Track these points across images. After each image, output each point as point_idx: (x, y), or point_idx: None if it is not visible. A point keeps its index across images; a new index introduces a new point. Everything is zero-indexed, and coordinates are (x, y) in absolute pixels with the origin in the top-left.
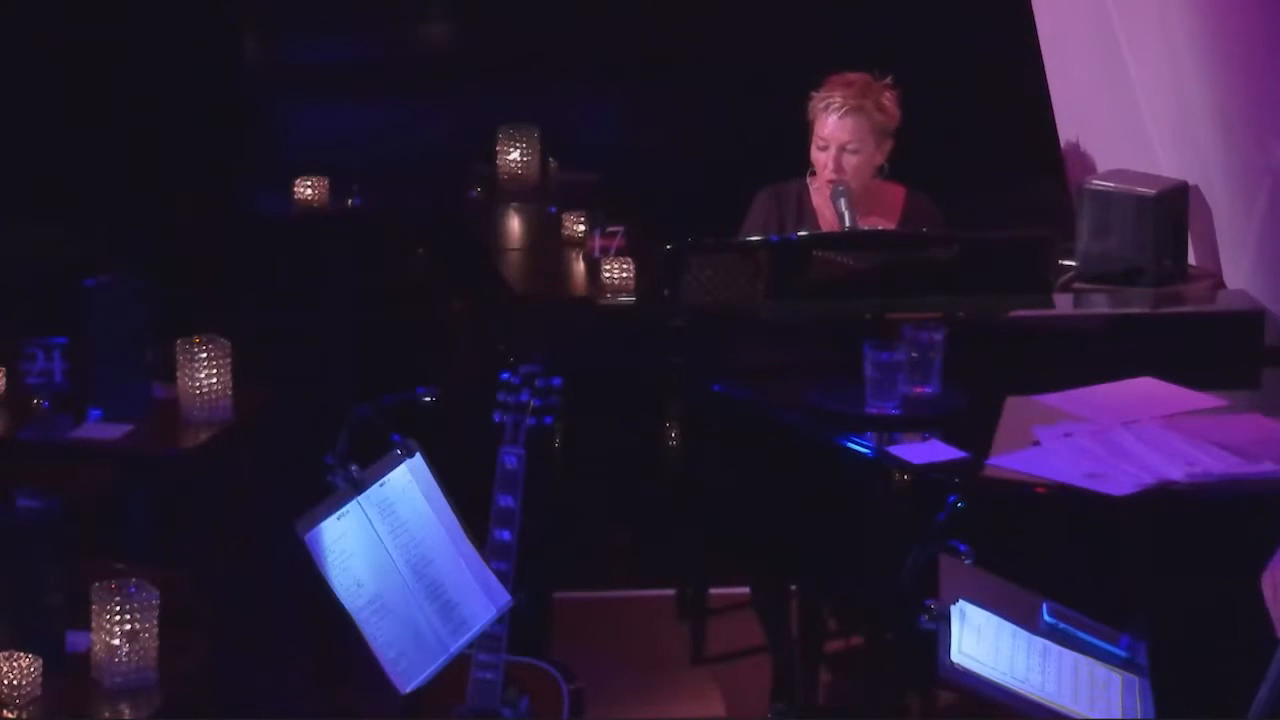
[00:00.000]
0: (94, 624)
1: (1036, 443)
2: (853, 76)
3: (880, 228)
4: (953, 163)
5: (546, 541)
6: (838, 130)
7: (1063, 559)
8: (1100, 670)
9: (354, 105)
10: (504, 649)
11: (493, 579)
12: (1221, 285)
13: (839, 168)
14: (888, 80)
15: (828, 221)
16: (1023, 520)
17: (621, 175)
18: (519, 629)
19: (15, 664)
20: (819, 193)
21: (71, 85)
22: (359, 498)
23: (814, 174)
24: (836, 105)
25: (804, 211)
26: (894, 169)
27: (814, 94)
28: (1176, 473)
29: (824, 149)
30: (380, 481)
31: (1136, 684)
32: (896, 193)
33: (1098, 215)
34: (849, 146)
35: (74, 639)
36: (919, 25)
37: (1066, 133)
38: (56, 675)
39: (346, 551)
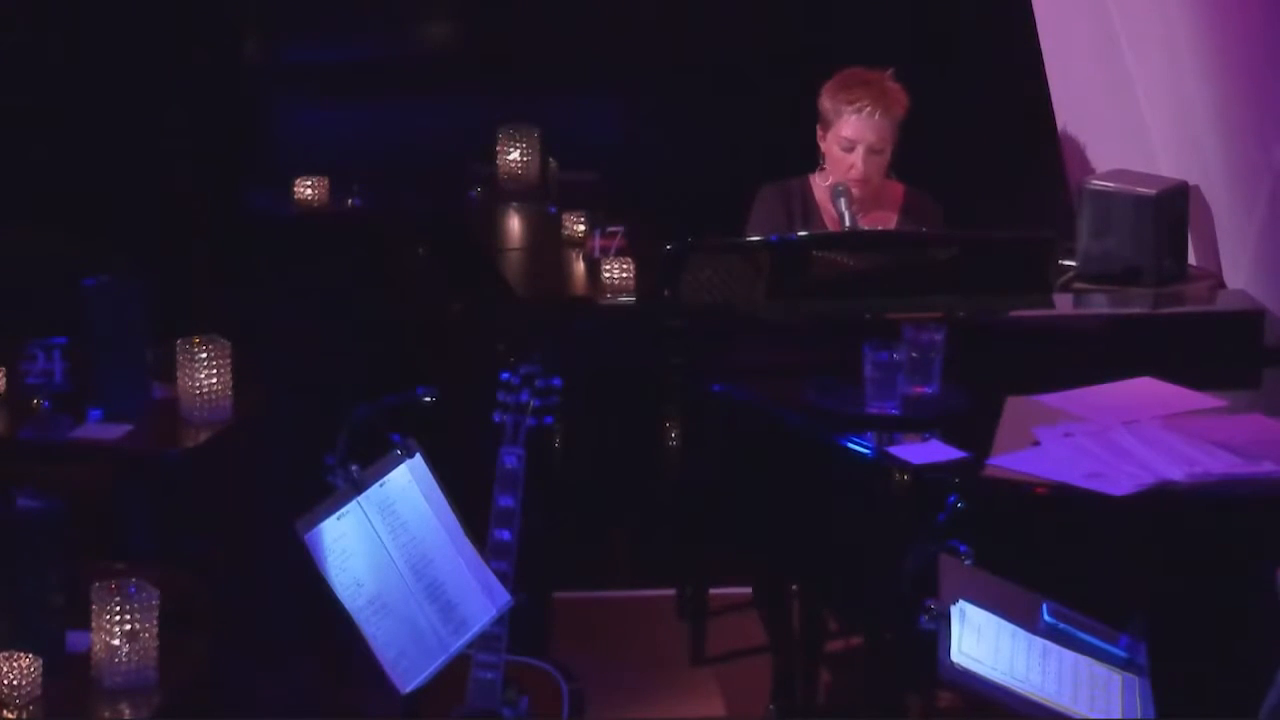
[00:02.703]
0: (94, 624)
1: (1036, 443)
2: (868, 75)
3: (880, 228)
4: (953, 163)
5: (546, 541)
6: (867, 131)
7: (1063, 559)
8: (1100, 670)
9: (354, 105)
10: (504, 649)
11: (493, 579)
12: (1221, 285)
13: (868, 167)
14: (890, 72)
15: (832, 217)
16: (1023, 520)
17: (621, 175)
18: (519, 629)
19: (15, 664)
20: (824, 189)
21: (71, 85)
22: (359, 498)
23: (821, 170)
24: (869, 109)
25: (809, 208)
26: (895, 167)
27: (833, 92)
28: (1176, 473)
29: (849, 150)
30: (380, 481)
31: (1136, 684)
32: (896, 190)
33: (1098, 215)
34: (876, 146)
35: (74, 639)
36: (919, 25)
37: (1066, 133)
38: (56, 675)
39: (346, 551)
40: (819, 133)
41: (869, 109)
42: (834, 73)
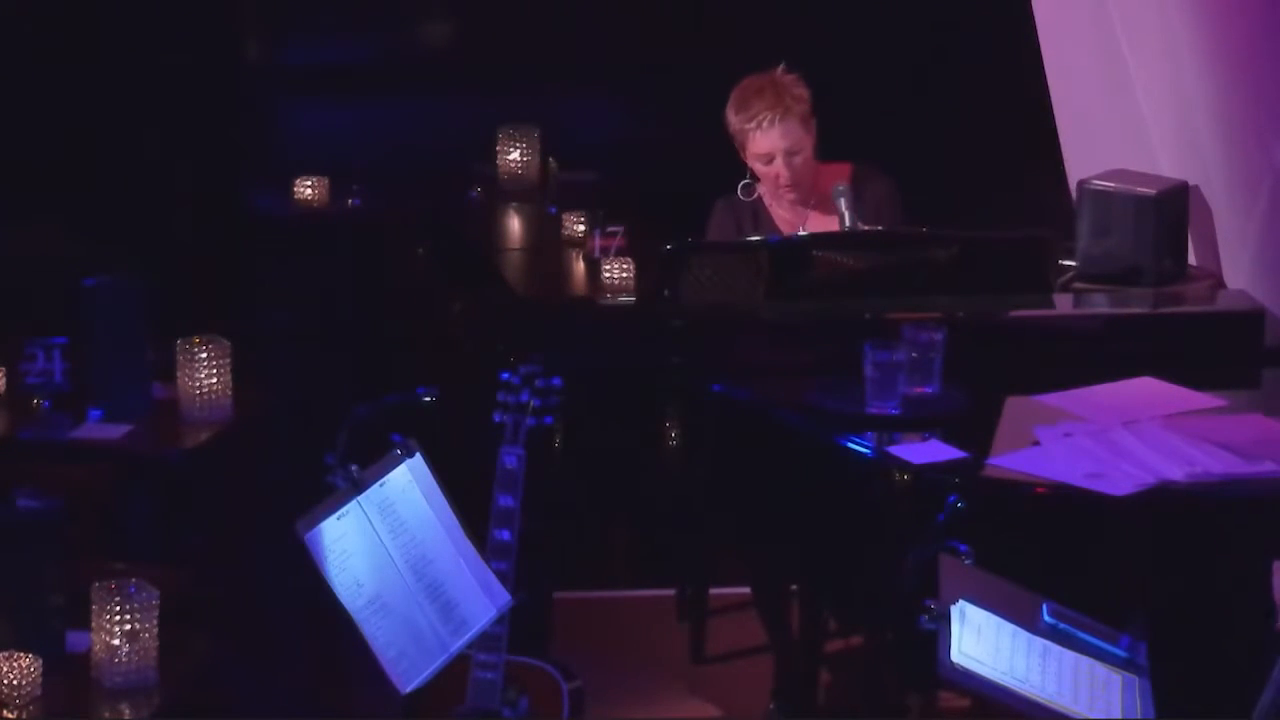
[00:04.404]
0: (94, 624)
1: (1036, 443)
2: (759, 83)
3: (879, 227)
4: (953, 162)
5: (546, 541)
6: (776, 140)
7: (1063, 559)
8: (1100, 670)
9: (354, 105)
10: (504, 649)
11: (493, 579)
12: (1221, 285)
13: (792, 170)
14: (782, 67)
15: (786, 222)
16: (1023, 520)
17: (621, 175)
18: (519, 629)
19: (15, 664)
20: (771, 196)
21: (71, 85)
22: (359, 498)
23: (753, 181)
24: (766, 118)
25: (760, 217)
26: (894, 167)
27: (733, 112)
28: (1176, 473)
29: (769, 163)
30: (380, 481)
31: (1136, 684)
32: (842, 172)
33: (1098, 215)
34: (791, 149)
35: (74, 639)
36: (920, 25)
37: (1066, 133)
38: (56, 675)
39: (346, 551)
40: (740, 153)
41: (766, 119)
42: (836, 73)
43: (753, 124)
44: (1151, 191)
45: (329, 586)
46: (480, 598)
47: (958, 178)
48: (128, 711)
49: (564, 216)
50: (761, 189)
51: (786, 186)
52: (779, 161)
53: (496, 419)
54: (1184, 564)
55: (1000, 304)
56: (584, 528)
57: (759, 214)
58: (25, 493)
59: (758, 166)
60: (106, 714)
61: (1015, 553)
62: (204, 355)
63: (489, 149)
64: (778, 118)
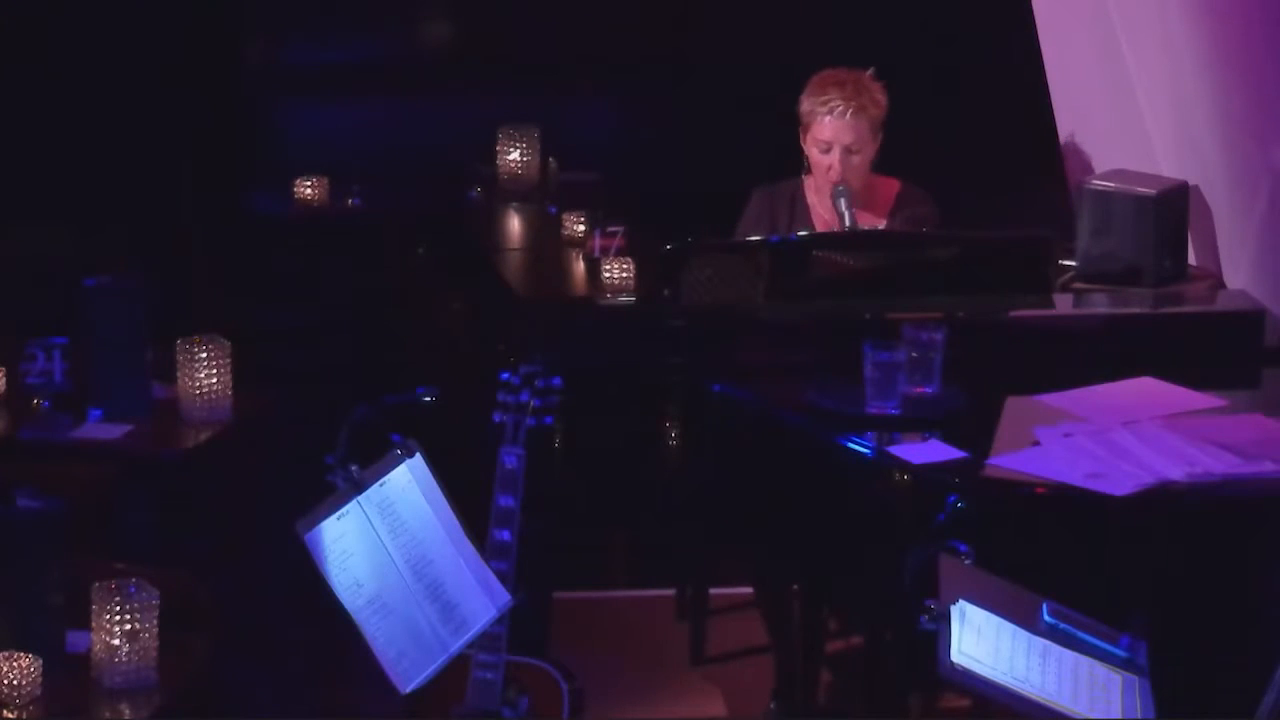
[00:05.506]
0: (94, 624)
1: (1036, 443)
2: (841, 75)
3: (880, 227)
4: (953, 163)
5: (546, 541)
6: (841, 132)
7: (1063, 559)
8: (1100, 670)
9: (354, 105)
10: (504, 649)
11: (493, 579)
12: (1221, 285)
13: (845, 168)
14: (871, 72)
15: (822, 219)
16: (1023, 520)
17: (621, 175)
18: (519, 629)
19: (15, 664)
20: (815, 192)
21: (72, 85)
22: (359, 498)
23: (808, 173)
24: (839, 108)
25: (798, 210)
26: (894, 167)
27: (809, 94)
28: (1176, 473)
29: (826, 151)
30: (380, 481)
31: (1136, 684)
32: (890, 187)
33: (1098, 215)
34: (853, 147)
35: (74, 639)
36: (919, 25)
37: (1066, 133)
38: (56, 675)
39: (346, 551)
40: (801, 136)
41: (840, 108)
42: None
43: (824, 108)
44: (1151, 191)
45: (329, 586)
46: (480, 598)
47: (958, 178)
48: (128, 711)
49: (564, 216)
50: (808, 181)
51: (834, 183)
52: (835, 153)
53: (496, 419)
54: (1184, 564)
55: (1000, 304)
56: (584, 528)
57: (796, 207)
58: (25, 493)
59: (813, 153)
60: (106, 714)
61: (1015, 553)
62: (204, 355)
63: (489, 149)
64: (850, 111)
